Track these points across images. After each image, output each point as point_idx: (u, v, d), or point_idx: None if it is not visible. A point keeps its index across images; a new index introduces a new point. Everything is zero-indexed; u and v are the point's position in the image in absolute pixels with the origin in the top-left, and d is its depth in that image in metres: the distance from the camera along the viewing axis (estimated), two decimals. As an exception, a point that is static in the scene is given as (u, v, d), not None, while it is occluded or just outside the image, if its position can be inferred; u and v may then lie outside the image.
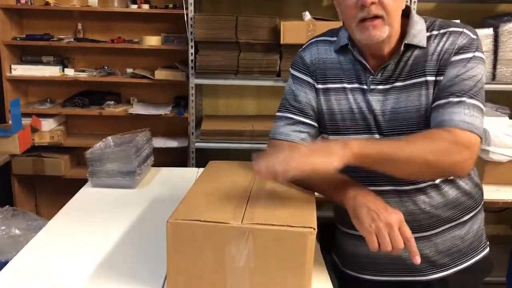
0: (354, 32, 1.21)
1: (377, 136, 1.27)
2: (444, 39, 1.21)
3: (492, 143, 2.17)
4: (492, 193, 2.13)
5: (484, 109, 1.19)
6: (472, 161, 1.14)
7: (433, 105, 1.20)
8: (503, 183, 2.20)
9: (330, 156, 1.04)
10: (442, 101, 1.18)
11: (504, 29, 2.85)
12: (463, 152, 1.10)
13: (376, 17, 1.16)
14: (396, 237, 1.03)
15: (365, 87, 1.27)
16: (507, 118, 2.49)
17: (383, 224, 1.04)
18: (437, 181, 1.26)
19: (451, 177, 1.27)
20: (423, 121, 1.21)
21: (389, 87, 1.25)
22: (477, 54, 1.20)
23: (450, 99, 1.16)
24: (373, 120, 1.26)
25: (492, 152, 2.17)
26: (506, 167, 2.21)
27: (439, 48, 1.21)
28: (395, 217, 1.05)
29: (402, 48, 1.22)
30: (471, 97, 1.15)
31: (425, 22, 1.25)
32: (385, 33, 1.18)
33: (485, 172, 2.19)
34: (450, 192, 1.28)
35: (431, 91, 1.21)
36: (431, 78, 1.21)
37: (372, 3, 1.14)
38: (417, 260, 1.05)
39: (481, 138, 1.14)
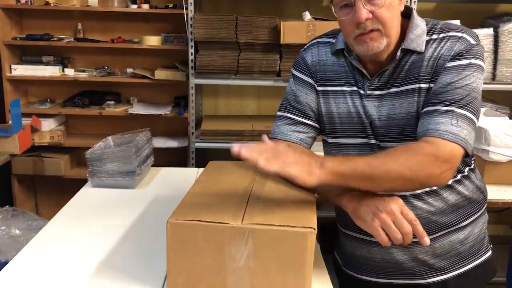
0: (352, 45, 1.21)
1: (373, 140, 1.26)
2: (442, 44, 1.18)
3: (492, 143, 2.17)
4: (492, 193, 2.12)
5: (476, 120, 1.14)
6: (452, 171, 1.11)
7: (422, 110, 1.17)
8: (503, 183, 2.20)
9: (307, 174, 1.02)
10: (431, 108, 1.15)
11: (504, 29, 2.85)
12: (442, 165, 1.08)
13: (373, 29, 1.16)
14: (401, 222, 1.03)
15: (362, 91, 1.26)
16: (507, 118, 2.48)
17: (385, 213, 1.04)
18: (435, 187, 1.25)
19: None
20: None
21: (385, 93, 1.23)
22: (474, 61, 1.15)
23: (439, 107, 1.13)
24: (369, 125, 1.26)
25: (492, 152, 2.17)
26: (506, 167, 2.21)
27: (435, 53, 1.18)
28: (395, 203, 1.05)
29: (398, 53, 1.20)
30: (460, 107, 1.12)
31: (427, 25, 1.22)
32: (383, 44, 1.17)
33: (485, 172, 2.19)
34: (450, 197, 1.26)
35: (423, 98, 1.18)
36: (424, 85, 1.19)
37: (367, 18, 1.14)
38: (426, 242, 1.04)
39: (466, 149, 1.11)
